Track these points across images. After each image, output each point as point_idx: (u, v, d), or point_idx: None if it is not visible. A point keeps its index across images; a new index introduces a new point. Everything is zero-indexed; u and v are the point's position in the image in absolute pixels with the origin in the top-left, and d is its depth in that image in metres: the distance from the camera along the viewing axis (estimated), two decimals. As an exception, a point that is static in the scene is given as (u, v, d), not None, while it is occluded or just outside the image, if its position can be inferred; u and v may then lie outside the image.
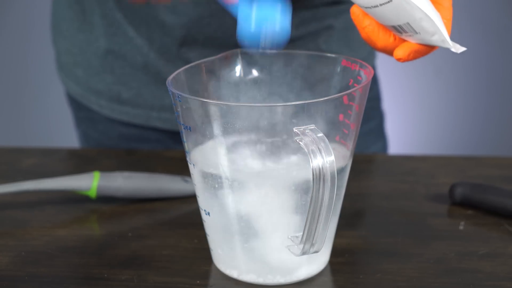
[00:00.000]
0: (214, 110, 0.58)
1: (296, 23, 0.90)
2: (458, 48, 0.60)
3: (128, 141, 0.98)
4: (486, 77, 2.06)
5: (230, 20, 0.87)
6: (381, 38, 0.62)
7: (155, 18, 0.89)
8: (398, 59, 0.62)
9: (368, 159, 0.90)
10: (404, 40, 0.62)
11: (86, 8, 0.93)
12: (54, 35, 1.00)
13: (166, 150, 0.93)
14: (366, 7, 0.60)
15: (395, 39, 0.62)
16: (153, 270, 0.65)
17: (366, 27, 0.62)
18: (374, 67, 1.01)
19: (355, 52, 0.96)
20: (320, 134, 0.55)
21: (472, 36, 2.01)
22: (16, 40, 2.06)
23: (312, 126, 0.55)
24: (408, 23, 0.59)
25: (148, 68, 0.92)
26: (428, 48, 0.61)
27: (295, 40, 0.91)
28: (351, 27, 0.96)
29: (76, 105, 1.02)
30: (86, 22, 0.94)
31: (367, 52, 0.99)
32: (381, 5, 0.58)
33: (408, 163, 0.86)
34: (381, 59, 1.06)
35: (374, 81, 1.02)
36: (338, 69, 0.66)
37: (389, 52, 0.63)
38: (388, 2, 0.58)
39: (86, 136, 1.03)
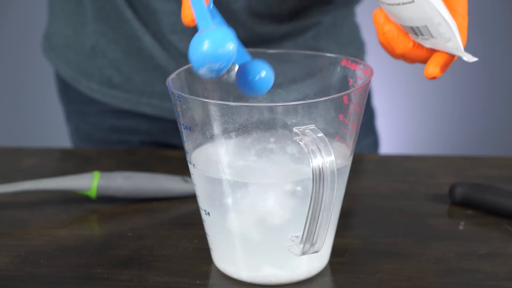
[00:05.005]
0: (214, 110, 0.58)
1: (285, 18, 0.90)
2: (470, 58, 0.60)
3: (119, 133, 0.98)
4: (486, 77, 2.06)
5: (220, 7, 0.88)
6: (400, 44, 0.62)
7: (147, 3, 0.89)
8: (432, 77, 0.61)
9: (368, 159, 0.90)
10: (421, 47, 0.62)
11: None
12: (49, 15, 1.00)
13: (166, 150, 0.93)
14: (389, 4, 0.60)
15: (413, 45, 0.62)
16: (153, 270, 0.65)
17: (386, 32, 0.62)
18: None
19: (344, 49, 0.95)
20: (320, 134, 0.55)
21: (472, 36, 2.01)
22: (15, 40, 2.06)
23: (312, 126, 0.55)
24: (426, 26, 0.59)
25: (142, 52, 0.92)
26: (451, 57, 0.61)
27: (284, 35, 0.92)
28: (339, 24, 0.96)
29: (67, 99, 1.01)
30: (80, 4, 0.93)
31: (355, 48, 0.99)
32: (403, 4, 0.58)
33: (408, 163, 0.86)
34: (371, 56, 1.05)
35: None
36: (338, 69, 0.66)
37: (407, 59, 0.63)
38: (411, 2, 0.58)
39: (77, 130, 1.02)
